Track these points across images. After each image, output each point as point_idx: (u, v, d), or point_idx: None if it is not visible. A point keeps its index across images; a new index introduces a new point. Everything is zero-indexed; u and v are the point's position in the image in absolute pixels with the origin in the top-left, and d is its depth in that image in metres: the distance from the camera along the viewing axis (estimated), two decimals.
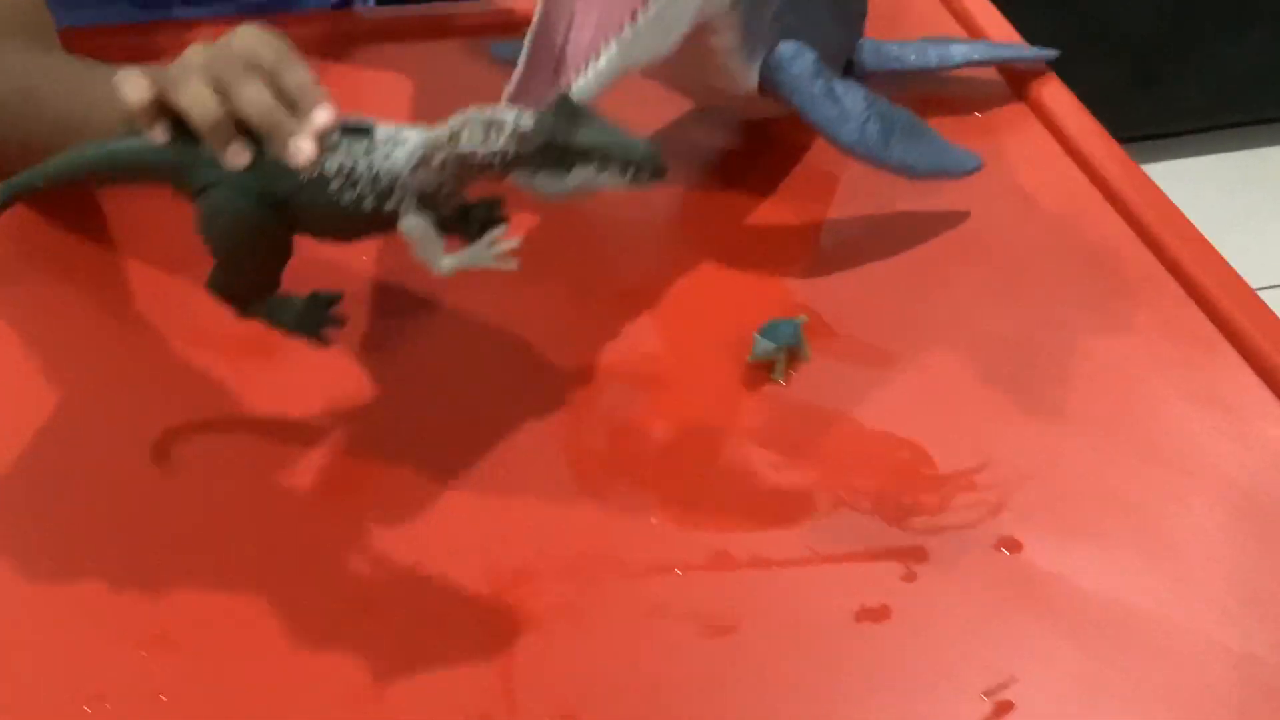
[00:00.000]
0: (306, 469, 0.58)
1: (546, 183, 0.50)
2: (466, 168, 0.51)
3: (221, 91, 0.51)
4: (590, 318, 0.67)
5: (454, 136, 0.50)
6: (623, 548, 0.56)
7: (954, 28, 0.91)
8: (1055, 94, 0.84)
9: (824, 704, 0.51)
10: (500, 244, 0.51)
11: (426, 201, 0.52)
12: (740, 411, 0.63)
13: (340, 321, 0.56)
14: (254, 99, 0.51)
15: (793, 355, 0.64)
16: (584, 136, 0.50)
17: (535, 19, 0.59)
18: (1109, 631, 0.53)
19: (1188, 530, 0.58)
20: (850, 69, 0.80)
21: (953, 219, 0.75)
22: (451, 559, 0.54)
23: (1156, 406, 0.64)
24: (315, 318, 0.56)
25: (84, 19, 0.85)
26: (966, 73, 0.86)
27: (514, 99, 0.58)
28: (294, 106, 0.51)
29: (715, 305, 0.68)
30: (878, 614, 0.54)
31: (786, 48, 0.70)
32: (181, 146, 0.52)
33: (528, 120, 0.50)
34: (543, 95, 0.58)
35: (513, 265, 0.51)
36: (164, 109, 0.52)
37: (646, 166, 0.50)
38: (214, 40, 0.54)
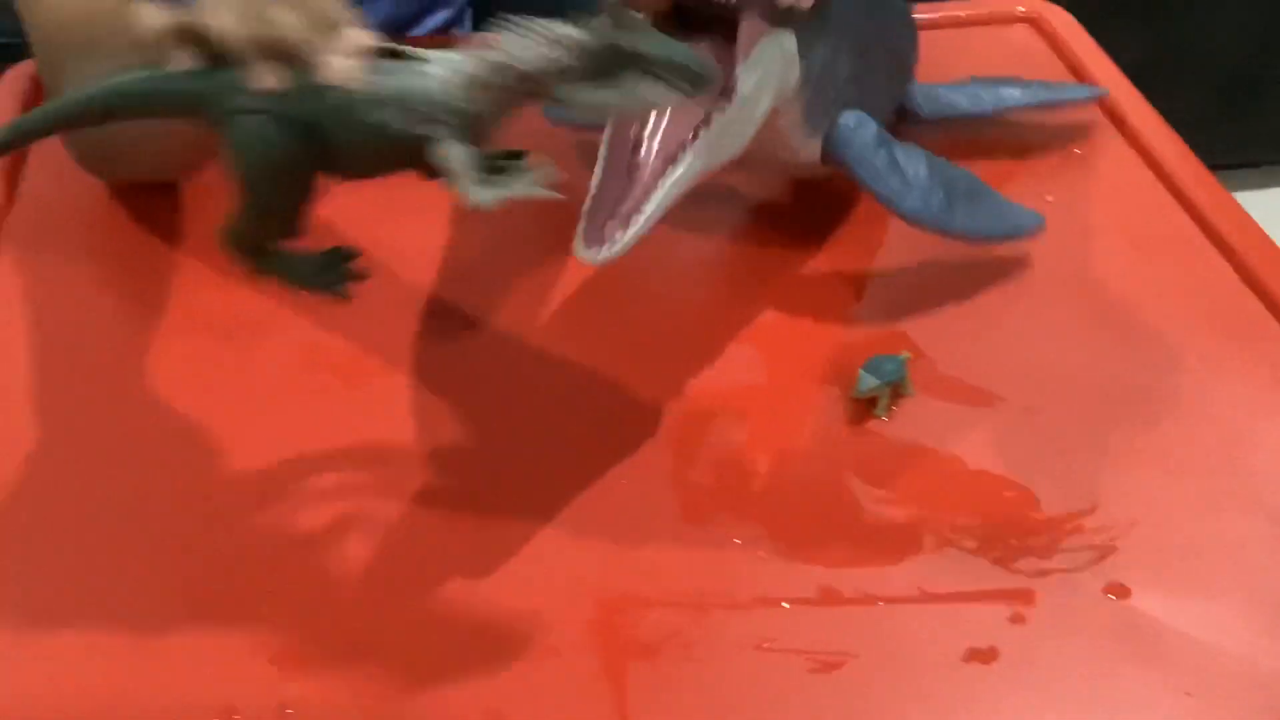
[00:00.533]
0: (415, 498, 0.59)
1: (595, 96, 0.49)
2: (517, 87, 0.48)
3: (251, 16, 0.48)
4: (690, 351, 0.68)
5: (505, 54, 0.48)
6: (731, 579, 0.56)
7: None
8: (1154, 128, 0.84)
9: None
10: (541, 170, 0.48)
11: (467, 130, 0.48)
12: (844, 446, 0.63)
13: (363, 276, 0.53)
14: (286, 19, 0.48)
15: (896, 392, 0.64)
16: (637, 42, 0.48)
17: (607, 132, 0.59)
18: (1218, 684, 0.53)
19: None
20: (903, 116, 0.80)
21: (1055, 257, 0.75)
22: (563, 590, 0.56)
23: (1266, 456, 0.64)
24: (335, 272, 0.52)
25: None
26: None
27: (592, 212, 0.57)
28: (328, 28, 0.48)
29: (818, 340, 0.69)
30: (985, 655, 0.54)
31: (848, 119, 0.69)
32: (205, 74, 0.49)
33: (583, 29, 0.48)
34: (620, 205, 0.57)
35: (556, 194, 0.48)
36: (186, 36, 0.49)
37: (693, 73, 0.49)
38: None
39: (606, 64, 0.48)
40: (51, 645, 0.53)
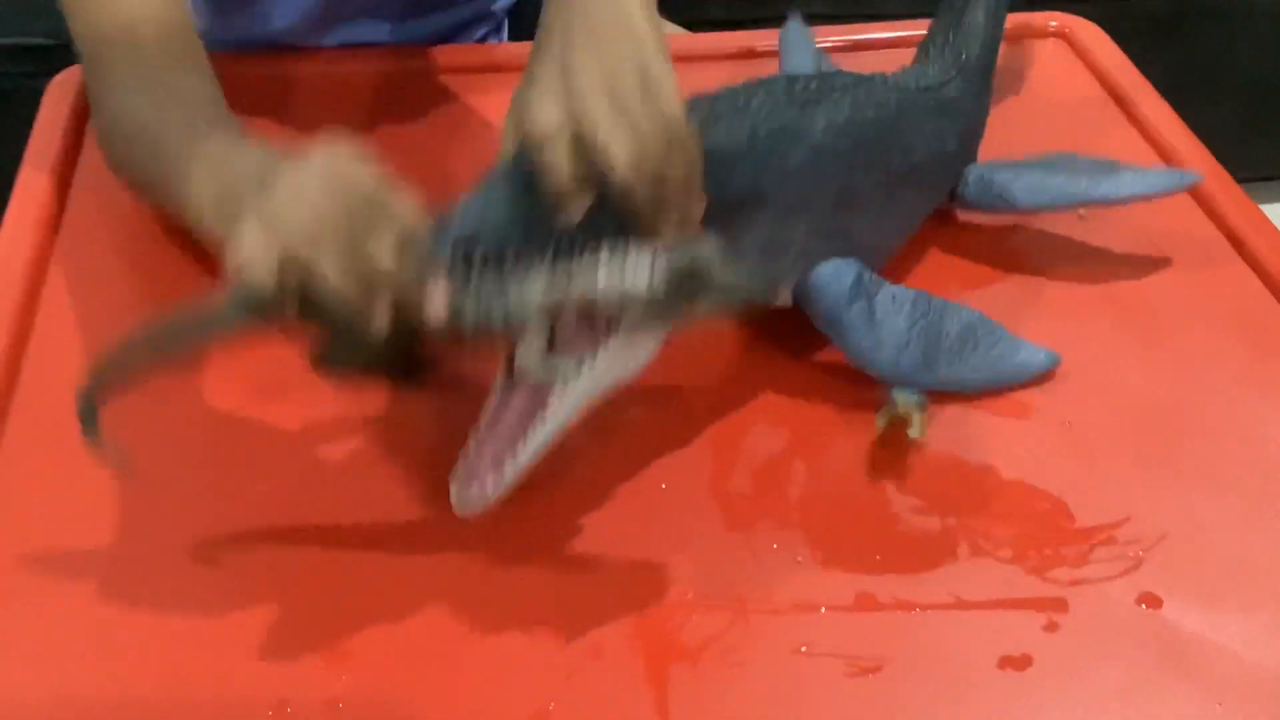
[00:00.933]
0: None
1: (656, 319, 0.52)
2: (591, 309, 0.52)
3: (352, 257, 0.50)
4: (728, 364, 0.69)
5: (587, 281, 0.51)
6: (770, 585, 0.58)
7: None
8: (1184, 141, 0.84)
9: None
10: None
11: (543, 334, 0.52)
12: (880, 456, 0.64)
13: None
14: (387, 269, 0.50)
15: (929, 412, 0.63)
16: (713, 272, 0.51)
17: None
18: (1249, 695, 0.54)
19: None
20: (954, 196, 0.76)
21: (1089, 272, 0.75)
22: (607, 594, 0.57)
23: None
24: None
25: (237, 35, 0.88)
26: (1094, 117, 0.86)
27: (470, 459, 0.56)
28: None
29: None
30: (1020, 662, 0.55)
31: (821, 274, 0.65)
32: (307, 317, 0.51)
33: (670, 262, 0.50)
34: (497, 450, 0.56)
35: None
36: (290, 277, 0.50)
37: (757, 292, 0.52)
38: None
39: (677, 293, 0.51)
40: (108, 638, 0.55)
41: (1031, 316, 0.72)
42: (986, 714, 0.53)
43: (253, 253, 0.50)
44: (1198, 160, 0.83)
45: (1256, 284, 0.75)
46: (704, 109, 0.62)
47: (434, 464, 0.62)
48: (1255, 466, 0.64)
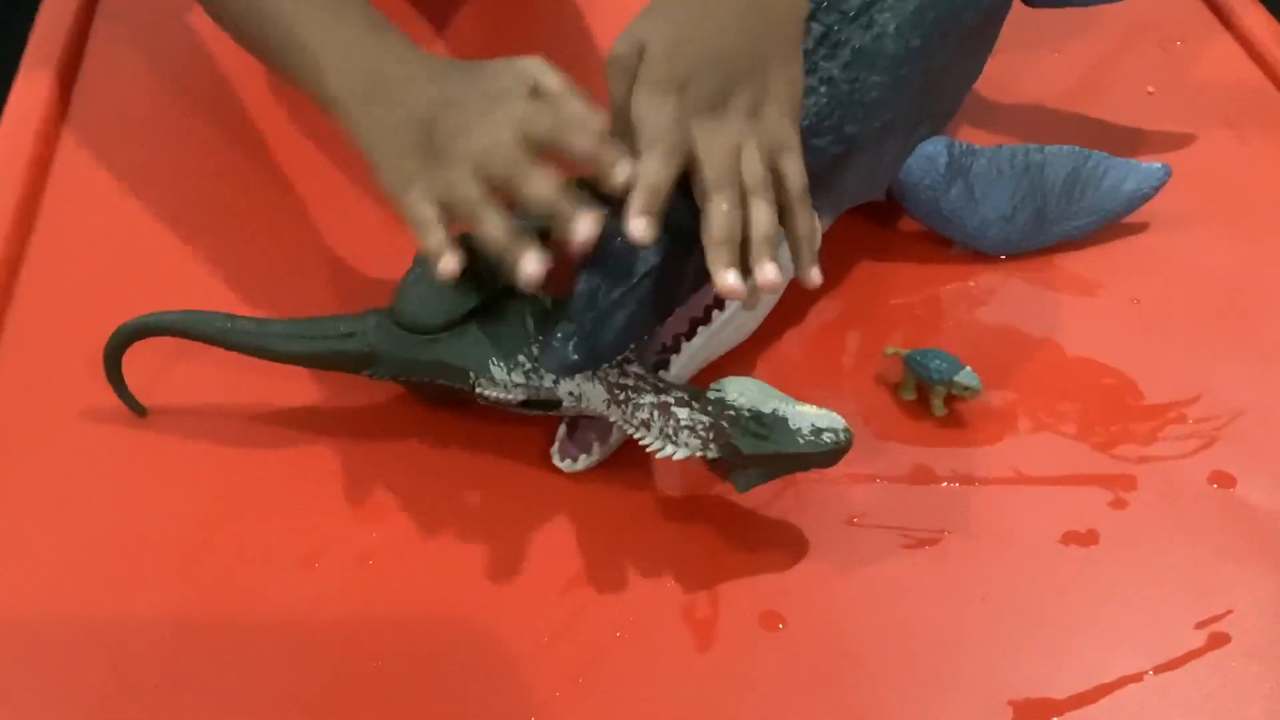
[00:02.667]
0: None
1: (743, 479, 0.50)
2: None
3: (507, 189, 0.49)
4: None
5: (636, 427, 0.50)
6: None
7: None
8: (1258, 20, 0.80)
9: (1026, 619, 0.50)
10: None
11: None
12: (947, 327, 0.61)
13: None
14: (535, 195, 0.49)
15: (952, 391, 0.56)
16: (774, 446, 0.48)
17: None
18: None
19: None
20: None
21: (1161, 147, 0.71)
22: (648, 461, 0.54)
23: None
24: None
25: None
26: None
27: (571, 422, 0.54)
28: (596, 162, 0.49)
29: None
30: (1085, 538, 0.52)
31: (913, 167, 0.62)
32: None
33: (717, 447, 0.49)
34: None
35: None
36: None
37: (833, 457, 0.49)
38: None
39: (747, 462, 0.49)
40: (133, 495, 0.53)
41: None
42: (1050, 588, 0.51)
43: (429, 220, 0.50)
44: (1267, 27, 0.78)
45: None
46: None
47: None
48: None
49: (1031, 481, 0.55)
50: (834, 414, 0.50)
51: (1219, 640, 0.49)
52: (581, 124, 0.50)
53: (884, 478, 0.54)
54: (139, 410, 0.55)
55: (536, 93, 0.51)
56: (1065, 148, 0.64)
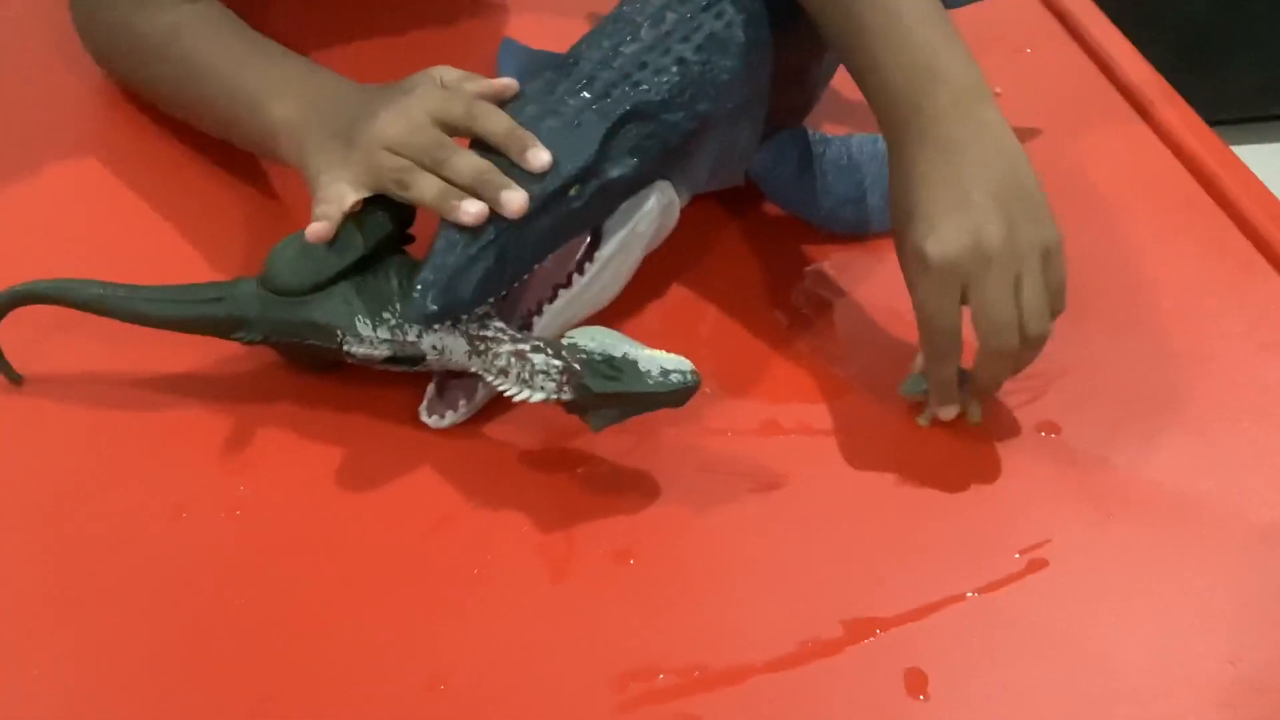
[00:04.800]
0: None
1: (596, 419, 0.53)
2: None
3: (432, 168, 0.55)
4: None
5: (490, 370, 0.53)
6: (677, 410, 0.58)
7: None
8: (1103, 30, 0.86)
9: (858, 549, 0.53)
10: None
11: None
12: (789, 300, 0.65)
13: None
14: (462, 168, 0.54)
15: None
16: (623, 386, 0.52)
17: None
18: (1143, 507, 0.55)
19: (1226, 426, 0.60)
20: None
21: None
22: (514, 417, 0.57)
23: (1199, 318, 0.66)
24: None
25: None
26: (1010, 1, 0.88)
27: (441, 379, 0.57)
28: (508, 148, 0.55)
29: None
30: (919, 479, 0.56)
31: (764, 158, 0.66)
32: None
33: (570, 389, 0.52)
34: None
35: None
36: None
37: (681, 393, 0.52)
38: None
39: (599, 403, 0.52)
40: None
41: None
42: (883, 522, 0.54)
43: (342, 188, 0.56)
44: (1122, 50, 0.84)
45: (1162, 149, 0.76)
46: (617, 36, 0.60)
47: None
48: (1156, 313, 0.66)
49: (871, 434, 0.58)
50: (682, 358, 0.53)
51: (1037, 565, 0.53)
52: (493, 109, 0.56)
53: (734, 430, 0.58)
54: (14, 378, 0.57)
55: (445, 87, 0.57)
56: None
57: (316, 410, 0.57)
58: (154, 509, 0.52)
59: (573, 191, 0.56)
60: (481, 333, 0.54)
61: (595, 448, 0.56)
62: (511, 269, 0.55)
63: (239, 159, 0.69)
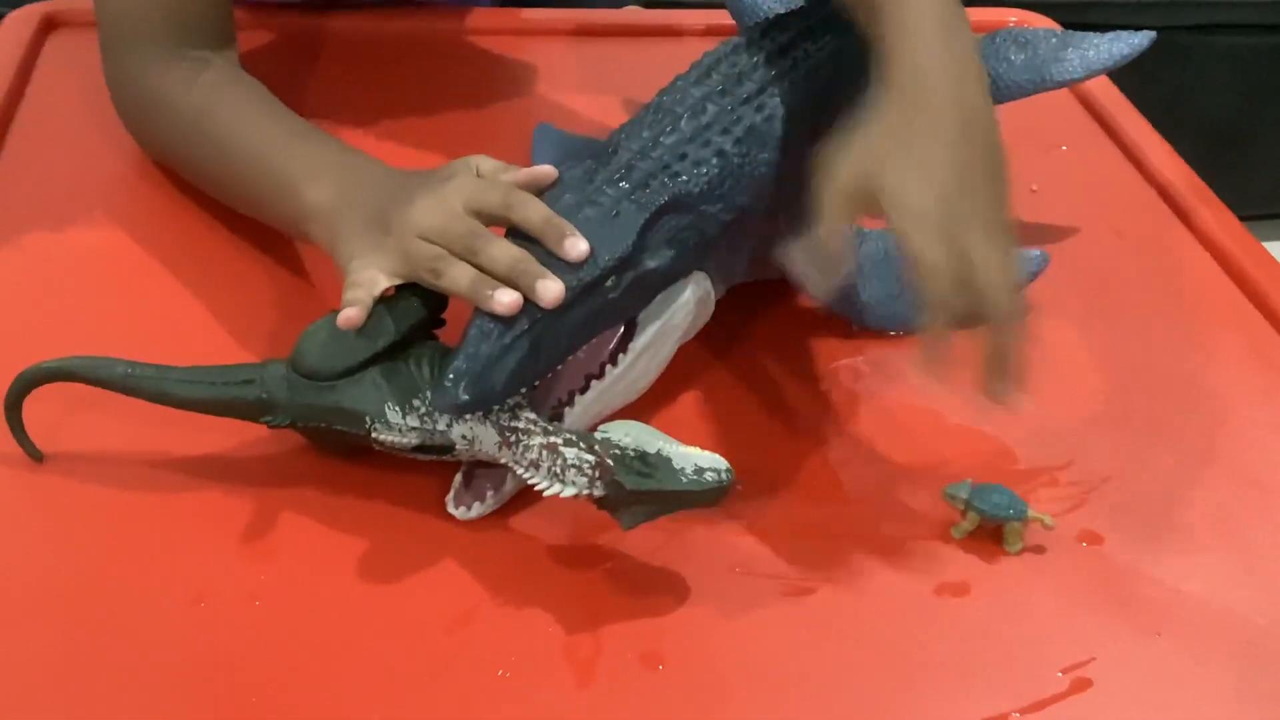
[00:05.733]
0: None
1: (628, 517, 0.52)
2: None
3: (465, 257, 0.54)
4: None
5: (525, 466, 0.52)
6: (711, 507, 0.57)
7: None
8: (1135, 124, 0.86)
9: (896, 662, 0.51)
10: None
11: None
12: (827, 398, 0.64)
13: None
14: (498, 256, 0.54)
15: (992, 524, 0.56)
16: (657, 484, 0.50)
17: None
18: (1189, 623, 0.54)
19: (1270, 539, 0.58)
20: None
21: (1040, 241, 0.76)
22: (537, 508, 0.55)
23: (1239, 426, 0.64)
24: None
25: None
26: (1046, 100, 0.88)
27: (468, 470, 0.56)
28: (544, 236, 0.54)
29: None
30: (958, 589, 0.54)
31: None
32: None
33: (602, 484, 0.51)
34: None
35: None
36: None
37: (716, 492, 0.51)
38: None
39: (631, 500, 0.51)
40: (25, 527, 0.53)
41: None
42: (921, 634, 0.52)
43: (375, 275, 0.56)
44: (1159, 150, 0.84)
45: (1201, 253, 0.76)
46: (657, 126, 0.59)
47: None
48: (1196, 420, 0.64)
49: (909, 538, 0.57)
50: (717, 456, 0.52)
51: (1081, 685, 0.51)
52: (530, 198, 0.56)
53: (766, 530, 0.56)
54: (36, 456, 0.56)
55: (481, 176, 0.57)
56: None
57: (339, 498, 0.56)
58: (174, 595, 0.51)
59: (609, 282, 0.55)
60: (513, 424, 0.53)
61: (624, 545, 0.54)
62: (545, 359, 0.54)
63: (270, 238, 0.69)
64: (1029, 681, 0.51)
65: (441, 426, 0.53)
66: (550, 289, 0.53)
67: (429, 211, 0.56)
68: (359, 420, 0.54)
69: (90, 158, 0.76)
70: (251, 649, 0.49)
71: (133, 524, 0.54)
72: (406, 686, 0.48)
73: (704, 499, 0.51)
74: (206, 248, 0.70)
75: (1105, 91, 0.89)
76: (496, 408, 0.53)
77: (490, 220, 0.56)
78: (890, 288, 0.66)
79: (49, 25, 0.86)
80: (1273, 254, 0.80)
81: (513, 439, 0.53)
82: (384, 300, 0.55)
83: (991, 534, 0.56)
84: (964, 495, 0.56)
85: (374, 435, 0.54)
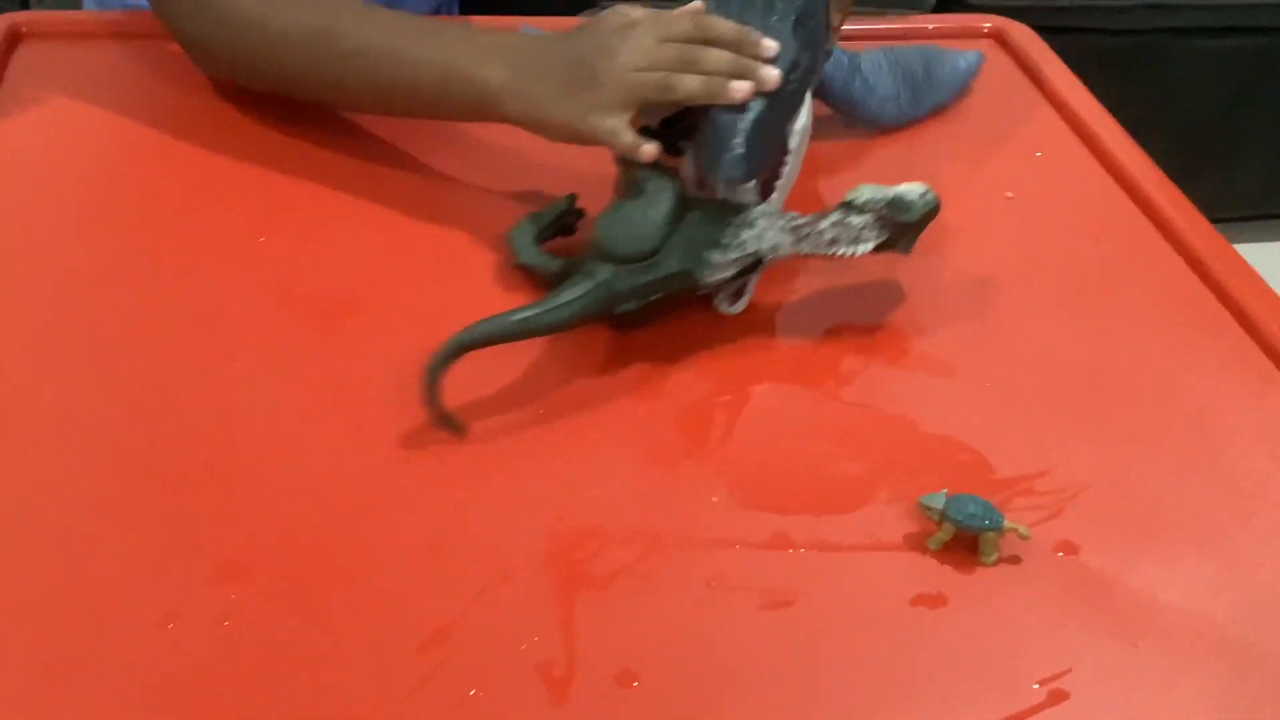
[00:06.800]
0: (383, 416, 0.60)
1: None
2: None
3: (685, 70, 0.64)
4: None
5: (817, 241, 0.64)
6: (684, 520, 0.56)
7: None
8: (1111, 134, 0.86)
9: (874, 674, 0.51)
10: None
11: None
12: (805, 408, 0.64)
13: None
14: (717, 59, 0.64)
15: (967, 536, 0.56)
16: (916, 214, 0.63)
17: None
18: (1167, 633, 0.53)
19: (1249, 546, 0.58)
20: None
21: (1017, 248, 0.76)
22: (520, 516, 0.56)
23: (1216, 432, 0.64)
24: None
25: None
26: (1022, 107, 0.88)
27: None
28: (740, 44, 0.65)
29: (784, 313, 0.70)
30: (934, 600, 0.54)
31: (827, 67, 0.78)
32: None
33: (885, 231, 0.63)
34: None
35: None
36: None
37: (937, 210, 0.64)
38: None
39: (900, 233, 0.64)
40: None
41: (957, 285, 0.72)
42: (899, 646, 0.52)
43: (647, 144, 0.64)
44: (1138, 161, 0.84)
45: (1176, 259, 0.75)
46: None
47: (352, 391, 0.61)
48: (1173, 426, 0.64)
49: (885, 548, 0.57)
50: (915, 183, 0.64)
51: (1058, 697, 0.50)
52: (714, 18, 0.66)
53: (743, 543, 0.56)
54: (459, 429, 0.59)
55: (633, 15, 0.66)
56: (913, 46, 0.87)
57: (310, 516, 0.55)
58: (141, 616, 0.50)
59: (791, 75, 0.66)
60: (797, 224, 0.64)
61: (599, 558, 0.54)
62: (771, 137, 0.66)
63: (238, 243, 0.68)
64: (1005, 694, 0.50)
65: (751, 249, 0.63)
66: (770, 73, 0.64)
67: (634, 52, 0.64)
68: (689, 276, 0.63)
69: (58, 170, 0.76)
70: (221, 671, 0.49)
71: (98, 543, 0.53)
72: (379, 707, 0.48)
73: (934, 214, 0.64)
74: (179, 259, 0.69)
75: (1080, 98, 0.89)
76: (782, 220, 0.64)
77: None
78: (889, 91, 0.83)
79: (15, 37, 0.84)
80: (1253, 255, 0.80)
81: (806, 233, 0.63)
82: (636, 169, 0.64)
83: (968, 544, 0.56)
84: (939, 506, 0.56)
85: (702, 281, 0.63)
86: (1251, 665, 0.52)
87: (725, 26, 0.65)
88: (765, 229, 0.63)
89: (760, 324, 0.68)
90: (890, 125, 0.83)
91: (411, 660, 0.50)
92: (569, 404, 0.62)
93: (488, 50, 0.68)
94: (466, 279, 0.69)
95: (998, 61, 0.94)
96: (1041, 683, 0.51)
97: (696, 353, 0.66)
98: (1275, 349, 0.69)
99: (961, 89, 0.88)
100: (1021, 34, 0.96)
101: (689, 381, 0.64)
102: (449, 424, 0.58)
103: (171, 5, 0.76)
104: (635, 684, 0.50)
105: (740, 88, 0.63)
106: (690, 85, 0.63)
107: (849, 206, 0.63)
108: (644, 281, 0.62)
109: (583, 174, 0.71)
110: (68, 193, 0.75)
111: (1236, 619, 0.54)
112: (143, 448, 0.58)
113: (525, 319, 0.61)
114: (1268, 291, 0.73)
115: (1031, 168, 0.84)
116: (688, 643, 0.52)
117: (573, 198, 0.70)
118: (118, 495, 0.56)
